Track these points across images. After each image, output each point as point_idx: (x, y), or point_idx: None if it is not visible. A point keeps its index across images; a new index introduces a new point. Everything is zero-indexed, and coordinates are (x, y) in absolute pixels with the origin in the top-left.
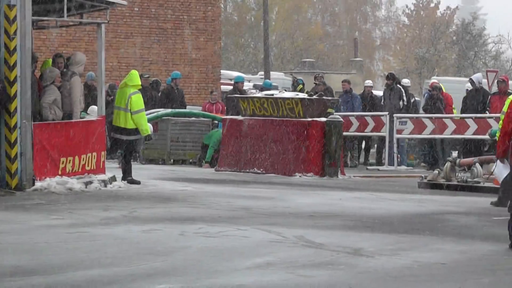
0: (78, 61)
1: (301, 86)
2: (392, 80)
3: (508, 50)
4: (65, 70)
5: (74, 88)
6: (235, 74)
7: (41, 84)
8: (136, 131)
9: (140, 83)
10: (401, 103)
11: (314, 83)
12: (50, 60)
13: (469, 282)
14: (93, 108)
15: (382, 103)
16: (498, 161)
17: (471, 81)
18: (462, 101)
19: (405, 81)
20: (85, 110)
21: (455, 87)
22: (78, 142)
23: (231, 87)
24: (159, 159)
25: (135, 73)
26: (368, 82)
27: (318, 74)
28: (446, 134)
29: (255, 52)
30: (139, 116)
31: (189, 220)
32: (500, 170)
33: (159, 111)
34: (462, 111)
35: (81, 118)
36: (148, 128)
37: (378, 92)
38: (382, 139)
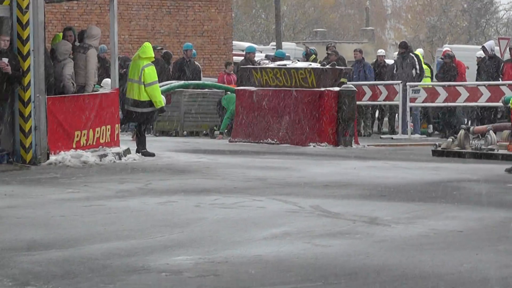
0: (93, 35)
1: (313, 56)
2: (405, 48)
3: None
4: (76, 43)
5: (90, 60)
6: (246, 45)
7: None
8: (150, 103)
9: (153, 55)
10: (413, 71)
11: (327, 53)
12: (61, 34)
13: (485, 249)
14: (107, 80)
15: (394, 71)
16: None
17: (484, 49)
18: (477, 69)
19: (420, 51)
20: (99, 82)
21: (467, 55)
22: (92, 115)
23: (242, 58)
24: (172, 131)
25: (148, 45)
26: (381, 51)
27: (330, 44)
28: (459, 102)
29: (266, 22)
30: (153, 88)
31: (204, 191)
32: None
33: (172, 83)
34: (477, 79)
35: (94, 90)
36: (162, 100)
37: (390, 61)
38: (395, 108)
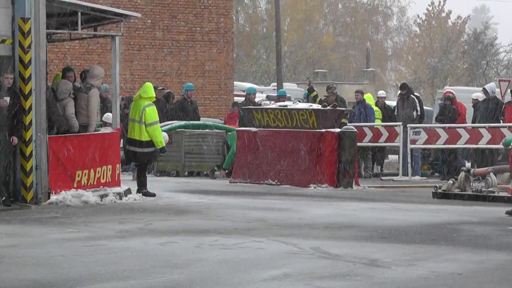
0: (96, 75)
1: (315, 92)
2: (406, 90)
3: None
4: (76, 83)
5: (92, 100)
6: (247, 85)
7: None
8: (150, 143)
9: (154, 95)
10: (414, 113)
11: (326, 94)
12: (61, 74)
13: None
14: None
15: (395, 113)
16: None
17: (485, 91)
18: (473, 111)
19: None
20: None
21: (468, 96)
22: (93, 155)
23: (243, 99)
24: (173, 171)
25: (149, 85)
26: (382, 93)
27: (330, 85)
28: (460, 144)
29: (267, 63)
30: (154, 128)
31: (204, 232)
32: None
33: (173, 123)
34: (473, 121)
35: (96, 130)
36: (162, 140)
37: (391, 102)
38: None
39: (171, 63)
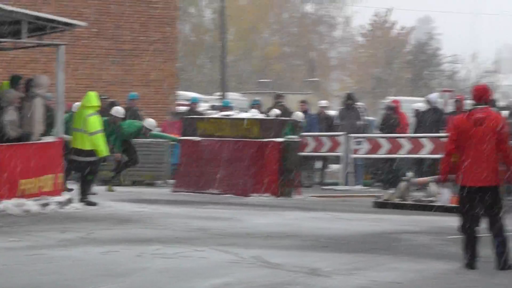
0: (40, 84)
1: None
2: (351, 100)
3: (463, 70)
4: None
5: (36, 109)
6: (192, 94)
7: None
8: (92, 152)
9: (97, 104)
10: (358, 123)
11: (273, 104)
12: (7, 82)
13: None
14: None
15: (337, 122)
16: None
17: (427, 101)
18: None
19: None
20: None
21: (410, 106)
22: (35, 164)
23: (187, 108)
24: (115, 181)
25: (92, 95)
26: (323, 103)
27: (277, 95)
28: (402, 154)
29: (212, 72)
30: (96, 137)
31: (146, 241)
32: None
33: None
34: (415, 131)
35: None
36: (105, 150)
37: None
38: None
39: (116, 72)
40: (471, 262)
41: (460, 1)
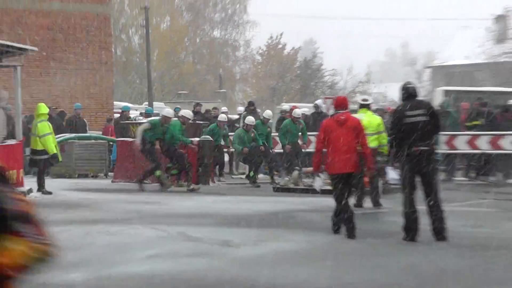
0: (2, 98)
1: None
2: (253, 106)
3: (341, 81)
4: None
5: None
6: (124, 104)
7: None
8: (44, 151)
9: (45, 112)
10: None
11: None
12: None
13: (315, 264)
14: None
15: (239, 124)
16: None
17: (316, 106)
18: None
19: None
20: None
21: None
22: (1, 161)
23: (119, 115)
24: (66, 174)
25: (40, 105)
26: (224, 109)
27: (196, 103)
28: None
29: (140, 86)
30: (45, 139)
31: (93, 222)
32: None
33: (65, 136)
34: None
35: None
36: (54, 149)
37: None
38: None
39: (63, 88)
40: (349, 233)
41: (338, 26)
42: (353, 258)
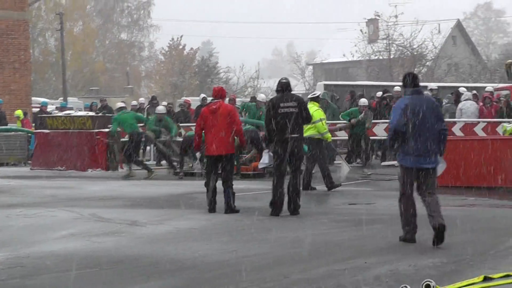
0: None
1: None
2: (155, 100)
3: (234, 77)
4: None
5: None
6: (42, 99)
7: None
8: None
9: None
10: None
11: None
12: None
13: (213, 240)
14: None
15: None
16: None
17: (204, 98)
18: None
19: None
20: None
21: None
22: None
23: (38, 109)
24: None
25: None
26: (134, 102)
27: (102, 98)
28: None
29: (56, 83)
30: None
31: (12, 206)
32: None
33: None
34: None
35: None
36: None
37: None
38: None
39: None
40: (210, 208)
41: (231, 29)
42: (246, 234)
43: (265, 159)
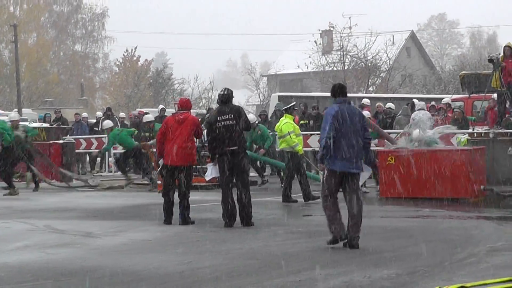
0: None
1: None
2: (110, 111)
3: (189, 88)
4: None
5: None
6: None
7: None
8: None
9: None
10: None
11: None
12: None
13: (167, 252)
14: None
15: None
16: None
17: (163, 109)
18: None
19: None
20: None
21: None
22: None
23: None
24: None
25: None
26: (84, 114)
27: (57, 110)
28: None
29: (10, 95)
30: None
31: None
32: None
33: None
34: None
35: None
36: None
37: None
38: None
39: None
40: (166, 219)
41: (185, 40)
42: (201, 245)
43: (210, 171)
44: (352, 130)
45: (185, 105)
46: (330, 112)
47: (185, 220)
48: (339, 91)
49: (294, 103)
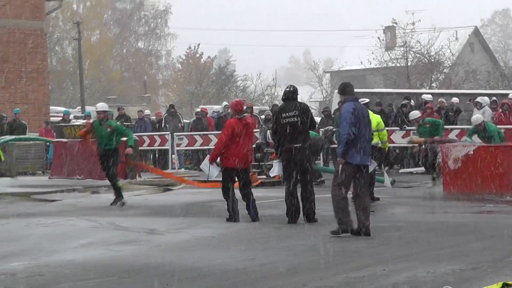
0: None
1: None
2: (174, 109)
3: (252, 85)
4: None
5: None
6: (59, 109)
7: None
8: None
9: None
10: (179, 125)
11: (118, 113)
12: None
13: (231, 248)
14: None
15: (163, 126)
16: (274, 162)
17: (226, 106)
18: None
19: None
20: None
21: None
22: None
23: (58, 118)
24: (7, 172)
25: None
26: (147, 111)
27: (119, 107)
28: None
29: (73, 92)
30: None
31: (31, 215)
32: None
33: (6, 138)
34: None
35: None
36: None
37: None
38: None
39: (3, 95)
40: (233, 217)
41: (248, 37)
42: (264, 242)
43: (275, 168)
44: (366, 125)
45: (240, 107)
46: (348, 109)
47: (257, 215)
48: (349, 89)
49: (368, 100)
